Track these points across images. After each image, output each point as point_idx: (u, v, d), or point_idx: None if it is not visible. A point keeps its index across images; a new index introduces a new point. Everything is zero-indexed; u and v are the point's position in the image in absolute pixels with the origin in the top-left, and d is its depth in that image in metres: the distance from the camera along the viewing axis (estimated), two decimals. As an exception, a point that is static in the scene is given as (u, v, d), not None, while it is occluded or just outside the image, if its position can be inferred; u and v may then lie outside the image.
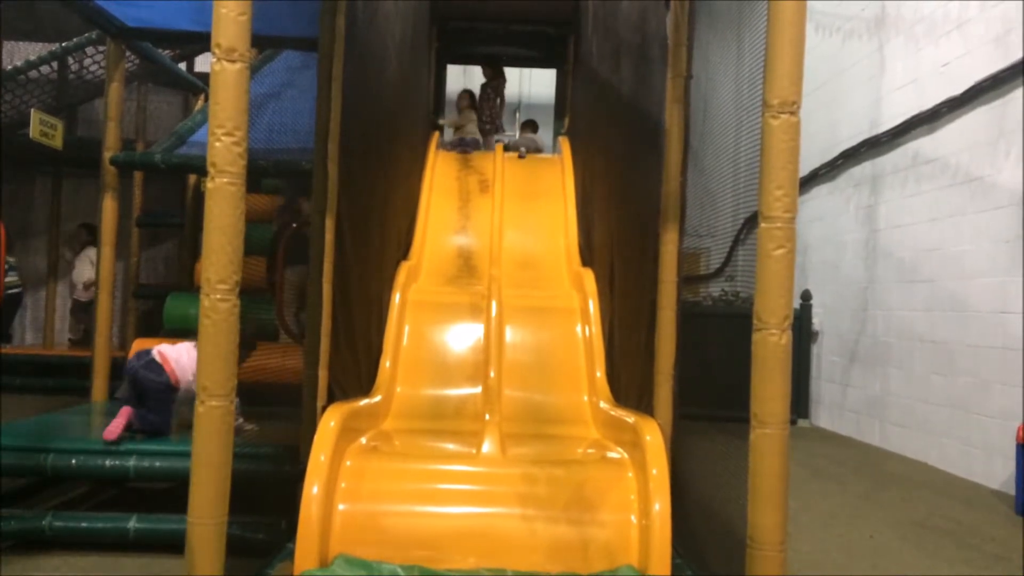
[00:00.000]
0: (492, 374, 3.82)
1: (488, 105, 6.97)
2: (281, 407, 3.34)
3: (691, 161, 3.24)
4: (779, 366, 1.97)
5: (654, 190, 3.40)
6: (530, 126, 7.14)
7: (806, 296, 8.09)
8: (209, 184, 2.04)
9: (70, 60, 8.37)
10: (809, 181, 8.15)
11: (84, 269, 8.64)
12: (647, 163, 3.60)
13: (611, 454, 3.17)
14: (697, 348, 3.31)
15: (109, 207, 5.06)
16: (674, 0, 3.28)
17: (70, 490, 4.18)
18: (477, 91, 7.19)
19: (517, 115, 9.26)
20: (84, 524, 3.39)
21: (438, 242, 5.06)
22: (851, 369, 7.51)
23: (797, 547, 3.70)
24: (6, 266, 4.90)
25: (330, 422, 2.87)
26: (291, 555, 2.64)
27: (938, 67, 6.26)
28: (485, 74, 7.19)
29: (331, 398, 3.31)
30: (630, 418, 3.17)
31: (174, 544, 2.84)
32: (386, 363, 3.87)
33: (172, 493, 3.80)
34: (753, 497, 2.00)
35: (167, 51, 7.52)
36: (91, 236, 8.65)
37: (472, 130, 6.64)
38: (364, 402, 3.49)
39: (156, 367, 3.70)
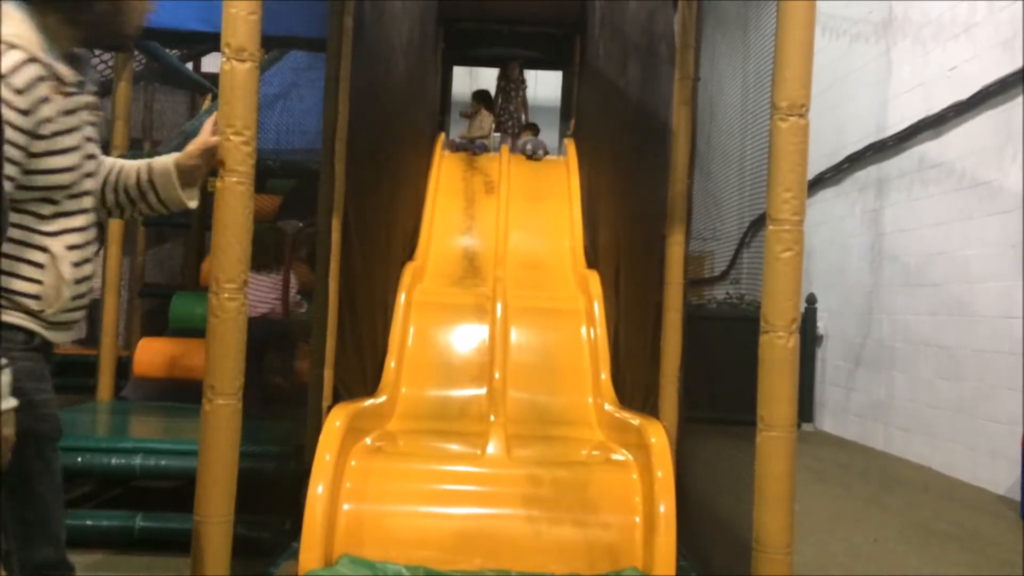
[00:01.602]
0: (497, 375, 3.82)
1: (517, 102, 6.93)
2: (287, 406, 3.35)
3: (697, 164, 3.24)
4: (786, 369, 1.97)
5: (660, 192, 3.40)
6: (532, 128, 7.14)
7: (811, 300, 8.07)
8: (218, 183, 2.04)
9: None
10: (815, 184, 8.13)
11: (97, 267, 8.64)
12: (653, 165, 3.60)
13: (616, 456, 3.17)
14: (702, 351, 3.31)
15: (116, 206, 5.06)
16: (682, 1, 3.28)
17: (75, 488, 4.19)
18: (485, 90, 7.19)
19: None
20: (89, 522, 3.40)
21: (443, 243, 5.06)
22: (856, 373, 7.49)
23: (802, 550, 3.68)
24: None
25: (335, 422, 2.87)
26: (296, 554, 2.64)
27: (945, 71, 6.25)
28: (510, 75, 7.16)
29: (336, 398, 3.32)
30: (635, 420, 3.17)
31: (179, 542, 2.84)
32: (391, 363, 3.87)
33: (178, 492, 3.80)
34: (759, 500, 2.00)
35: (174, 51, 7.54)
36: (101, 233, 8.66)
37: (484, 136, 6.63)
38: (369, 402, 3.49)
39: None
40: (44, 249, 1.60)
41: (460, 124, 7.07)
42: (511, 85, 7.14)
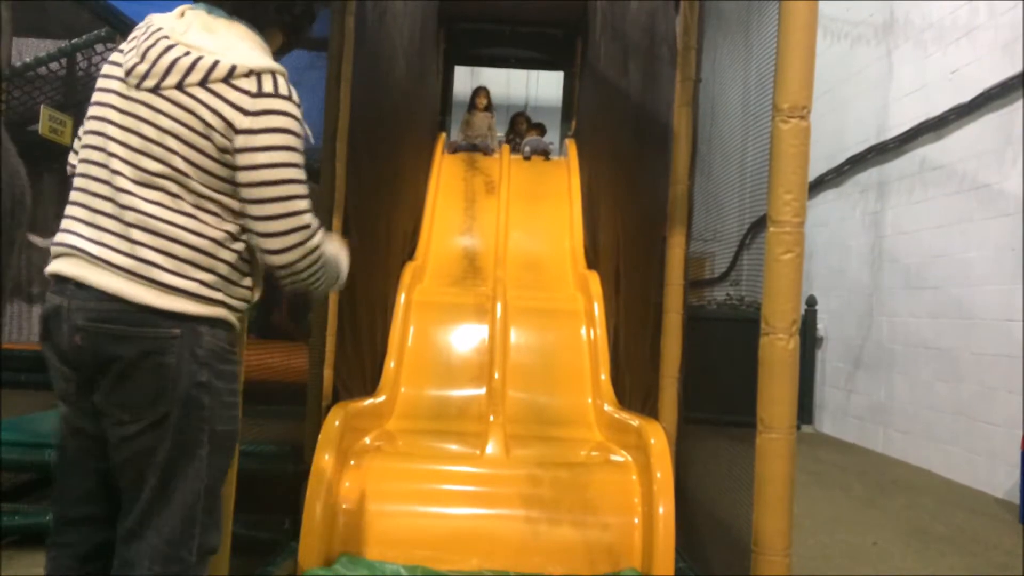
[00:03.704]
0: (496, 375, 3.83)
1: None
2: (286, 406, 3.34)
3: (698, 165, 3.24)
4: (786, 371, 1.96)
5: (661, 193, 3.40)
6: (539, 128, 7.14)
7: (811, 301, 8.07)
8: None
9: (79, 57, 8.40)
10: (816, 186, 8.14)
11: None
12: (654, 166, 3.60)
13: (615, 457, 3.17)
14: (702, 352, 3.31)
15: (116, 204, 5.05)
16: (684, 2, 3.28)
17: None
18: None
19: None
20: (88, 520, 3.39)
21: (444, 243, 5.06)
22: (855, 375, 7.49)
23: (800, 552, 3.68)
24: None
25: (334, 421, 2.88)
26: (295, 554, 2.64)
27: (946, 74, 6.25)
28: (519, 128, 7.23)
29: (336, 397, 3.32)
30: (635, 421, 3.17)
31: (178, 541, 2.83)
32: (391, 363, 3.87)
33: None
34: (758, 501, 1.99)
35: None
36: None
37: (483, 133, 6.61)
38: (368, 402, 3.50)
39: None
40: (246, 242, 1.64)
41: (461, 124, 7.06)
42: (518, 139, 7.12)
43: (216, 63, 1.54)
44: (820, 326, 8.14)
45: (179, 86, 1.54)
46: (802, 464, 5.83)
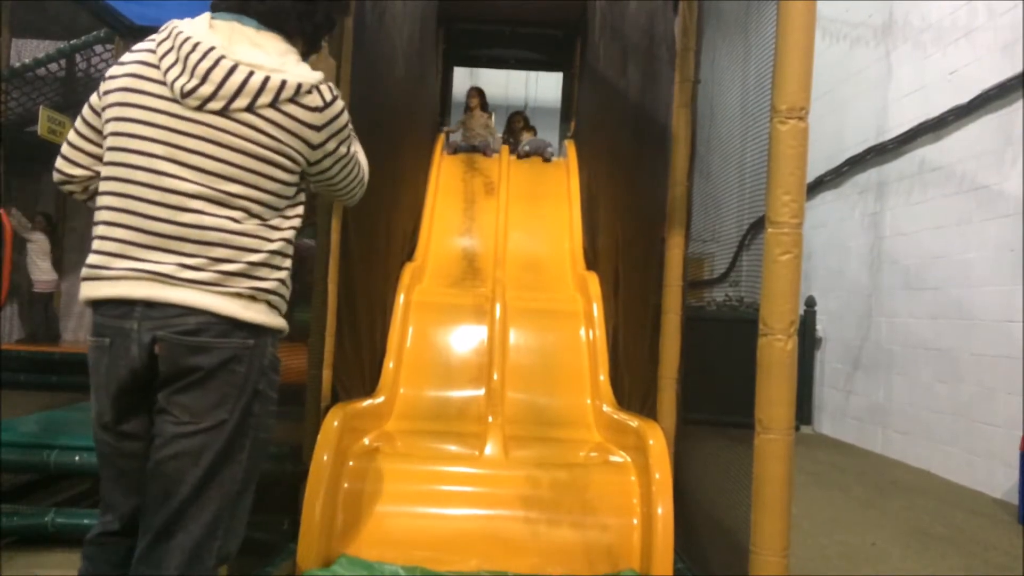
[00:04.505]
0: (495, 376, 3.83)
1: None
2: (284, 406, 3.34)
3: (696, 166, 3.24)
4: (784, 372, 1.96)
5: (660, 194, 3.40)
6: (531, 131, 7.14)
7: (810, 302, 8.07)
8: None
9: (78, 58, 8.41)
10: (815, 187, 8.14)
11: (39, 261, 8.63)
12: (653, 167, 3.59)
13: (614, 458, 3.17)
14: (701, 353, 3.31)
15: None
16: (683, 3, 3.28)
17: (73, 487, 4.18)
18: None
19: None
20: (86, 521, 3.39)
21: (443, 244, 5.06)
22: (854, 376, 7.50)
23: (799, 553, 3.69)
24: None
25: (333, 422, 2.88)
26: (293, 555, 2.64)
27: (945, 75, 6.25)
28: (515, 127, 7.21)
29: (335, 398, 3.31)
30: (633, 422, 3.17)
31: (176, 542, 2.83)
32: (390, 364, 3.87)
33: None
34: (757, 502, 1.99)
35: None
36: (48, 225, 8.73)
37: (481, 133, 6.59)
38: (367, 403, 3.50)
39: None
40: (286, 254, 1.73)
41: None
42: (513, 139, 7.11)
43: (284, 83, 1.59)
44: (819, 327, 8.15)
45: (250, 108, 1.57)
46: (801, 465, 5.83)
